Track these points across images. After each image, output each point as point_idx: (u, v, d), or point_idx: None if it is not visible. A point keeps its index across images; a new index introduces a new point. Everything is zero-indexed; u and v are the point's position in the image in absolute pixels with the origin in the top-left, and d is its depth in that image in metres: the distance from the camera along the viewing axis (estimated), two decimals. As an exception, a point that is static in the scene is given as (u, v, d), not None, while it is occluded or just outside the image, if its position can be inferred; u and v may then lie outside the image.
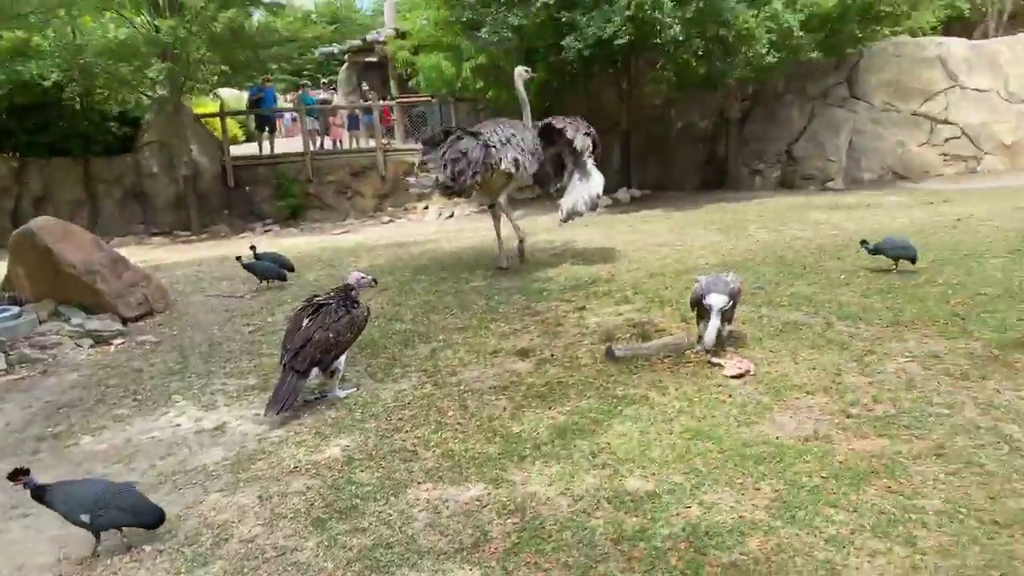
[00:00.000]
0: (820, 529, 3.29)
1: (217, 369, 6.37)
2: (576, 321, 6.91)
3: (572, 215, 9.37)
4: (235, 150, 20.30)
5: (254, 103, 20.60)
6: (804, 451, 4.01)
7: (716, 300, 5.32)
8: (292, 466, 4.38)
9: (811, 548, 3.16)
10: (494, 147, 8.63)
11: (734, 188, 16.52)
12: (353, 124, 22.12)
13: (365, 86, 24.43)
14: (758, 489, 3.66)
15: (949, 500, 3.45)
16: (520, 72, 9.81)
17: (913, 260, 7.44)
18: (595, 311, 7.19)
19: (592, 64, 15.38)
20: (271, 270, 9.44)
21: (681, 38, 13.23)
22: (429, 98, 20.13)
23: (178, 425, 5.21)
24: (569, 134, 9.11)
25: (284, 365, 5.24)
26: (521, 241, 9.75)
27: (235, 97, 27.32)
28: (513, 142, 8.82)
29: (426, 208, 18.40)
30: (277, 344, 6.15)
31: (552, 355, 5.99)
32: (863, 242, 7.75)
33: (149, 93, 17.07)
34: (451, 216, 17.39)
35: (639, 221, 13.20)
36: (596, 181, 9.17)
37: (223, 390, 5.83)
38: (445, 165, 8.54)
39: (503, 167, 8.63)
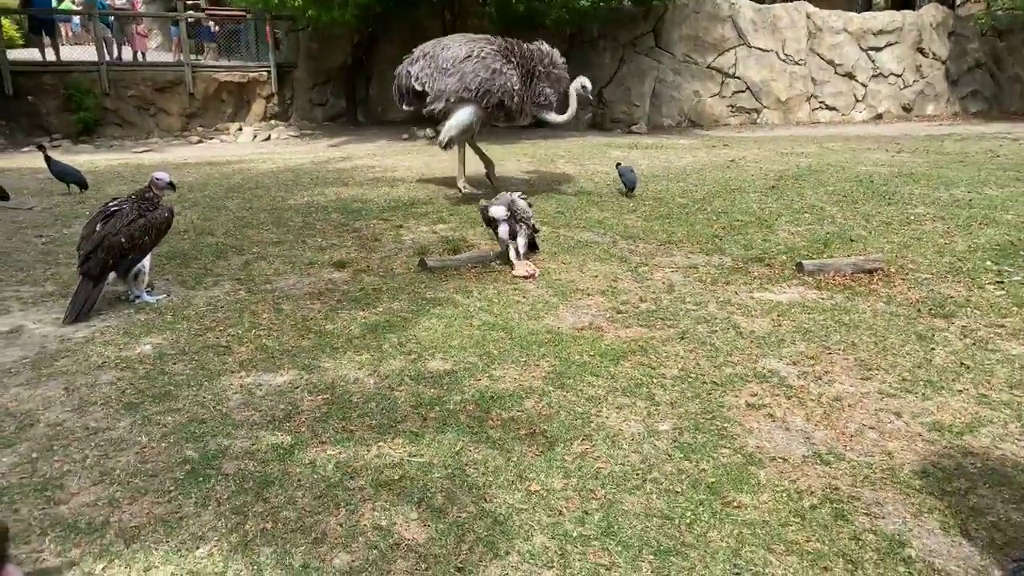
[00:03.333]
0: (583, 391, 4.00)
1: (7, 278, 6.03)
2: (393, 238, 7.27)
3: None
4: (13, 54, 17.98)
5: (27, 2, 18.19)
6: (579, 337, 4.73)
7: (497, 211, 6.08)
8: (100, 362, 4.42)
9: (574, 405, 3.85)
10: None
11: (550, 127, 17.38)
12: (206, 35, 20.50)
13: None
14: (538, 366, 4.31)
15: (684, 369, 4.30)
16: (577, 85, 8.75)
17: (631, 188, 8.93)
18: (412, 229, 7.58)
19: (416, -8, 15.36)
20: (73, 173, 8.92)
21: (502, -27, 13.59)
22: (244, 13, 18.98)
23: (-35, 330, 4.97)
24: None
25: (79, 271, 5.16)
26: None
27: (10, -7, 23.91)
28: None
29: (239, 130, 17.61)
30: (76, 255, 5.94)
31: (368, 267, 6.32)
32: (617, 164, 9.36)
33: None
34: (268, 139, 16.80)
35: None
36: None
37: (16, 296, 5.58)
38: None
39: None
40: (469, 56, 8.40)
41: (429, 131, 16.70)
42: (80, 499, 3.07)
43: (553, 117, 8.84)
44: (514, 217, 6.11)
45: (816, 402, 3.89)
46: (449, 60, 8.49)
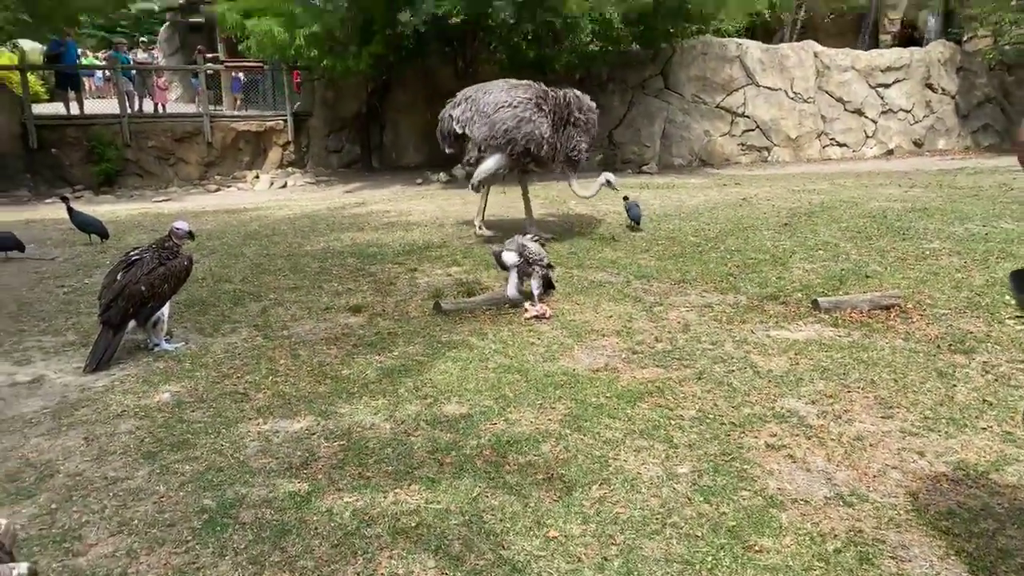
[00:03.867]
0: (600, 434, 3.97)
1: (30, 328, 6.12)
2: (408, 281, 7.32)
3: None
4: (38, 109, 18.51)
5: (54, 58, 18.77)
6: (595, 379, 4.71)
7: (508, 257, 6.14)
8: (119, 411, 4.46)
9: (591, 448, 3.82)
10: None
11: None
12: (236, 87, 21.18)
13: (201, 49, 23.09)
14: (554, 408, 4.30)
15: (701, 410, 4.27)
16: (603, 179, 9.03)
17: (637, 222, 9.39)
18: (426, 272, 7.64)
19: (429, 41, 15.71)
20: (94, 224, 9.13)
21: (512, 21, 13.90)
22: (261, 64, 19.49)
23: (-11, 380, 5.04)
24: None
25: (100, 320, 5.25)
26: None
27: (37, 50, 24.76)
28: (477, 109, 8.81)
29: (257, 178, 17.93)
30: (97, 304, 6.03)
31: (383, 311, 6.37)
32: (625, 197, 9.77)
33: (-70, 38, 15.20)
34: (284, 186, 17.08)
35: (474, 195, 13.72)
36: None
37: (39, 346, 5.66)
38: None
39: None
40: (504, 104, 8.55)
41: (443, 175, 16.92)
42: (98, 550, 3.07)
43: (576, 187, 9.11)
44: (527, 261, 6.15)
45: (837, 442, 3.84)
46: (490, 105, 8.64)
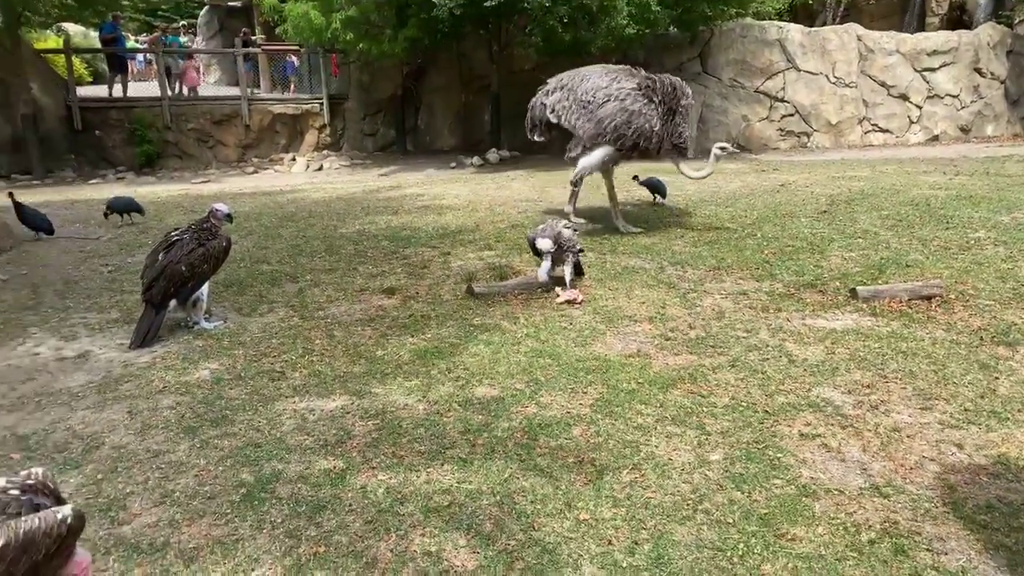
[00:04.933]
0: (631, 420, 3.97)
1: (76, 304, 6.31)
2: (441, 264, 7.36)
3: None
4: (82, 91, 18.93)
5: (108, 41, 19.19)
6: (626, 364, 4.71)
7: (543, 244, 6.08)
8: (161, 387, 4.58)
9: (622, 433, 3.83)
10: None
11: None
12: (289, 69, 21.38)
13: (246, 32, 23.33)
14: (585, 393, 4.30)
15: (734, 397, 4.24)
16: (717, 149, 8.51)
17: (663, 195, 9.81)
18: (459, 256, 7.68)
19: (464, 24, 15.67)
20: (131, 203, 9.35)
21: (548, 4, 13.79)
22: (297, 47, 19.65)
23: (37, 354, 5.21)
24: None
25: (142, 299, 5.39)
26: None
27: (81, 34, 25.26)
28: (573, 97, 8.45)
29: (293, 160, 18.13)
30: (139, 283, 6.18)
31: (417, 293, 6.42)
32: (635, 177, 10.08)
33: (-20, 22, 15.60)
34: (320, 169, 17.25)
35: (506, 180, 13.78)
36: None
37: (84, 323, 5.83)
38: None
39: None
40: (610, 97, 8.13)
41: (476, 159, 16.93)
42: (142, 520, 3.17)
43: (688, 171, 8.62)
44: (560, 248, 6.14)
45: (873, 432, 3.79)
46: (589, 92, 8.24)
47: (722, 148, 8.46)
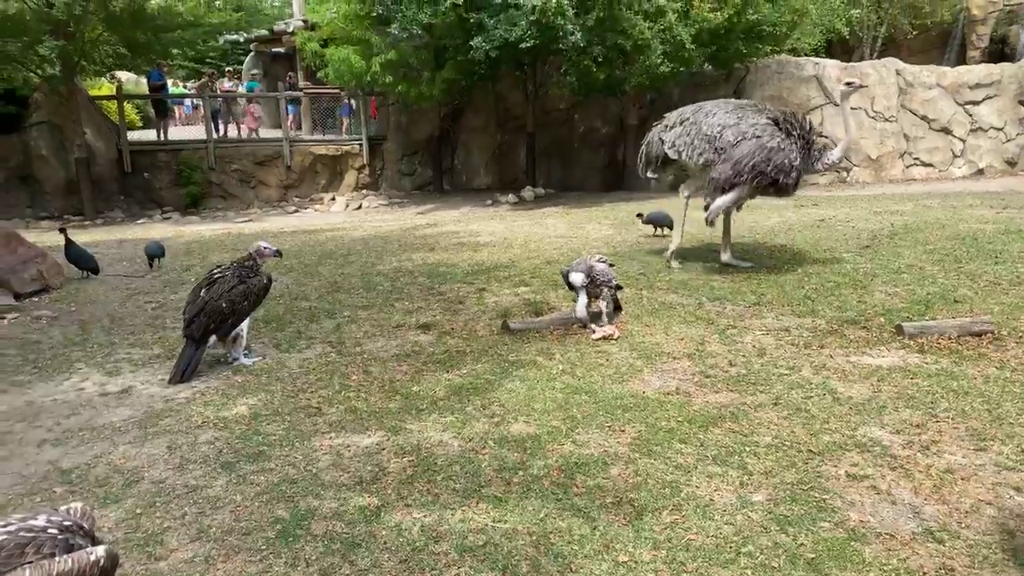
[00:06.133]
0: (671, 459, 3.88)
1: (120, 341, 6.45)
2: (476, 300, 7.38)
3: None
4: (132, 135, 19.68)
5: (156, 88, 20.03)
6: (665, 402, 4.62)
7: (576, 278, 6.04)
8: (200, 422, 4.63)
9: (662, 473, 3.74)
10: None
11: (631, 189, 17.49)
12: (344, 112, 21.70)
13: (291, 77, 24.00)
14: (623, 431, 4.22)
15: (778, 437, 4.12)
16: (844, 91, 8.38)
17: (670, 227, 9.55)
18: (495, 292, 7.69)
19: (500, 65, 15.97)
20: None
21: (583, 44, 13.99)
22: (338, 90, 20.19)
23: (82, 389, 5.32)
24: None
25: (183, 335, 5.49)
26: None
27: (132, 81, 26.35)
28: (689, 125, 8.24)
29: (333, 199, 18.49)
30: (181, 319, 6.31)
31: (452, 329, 6.42)
32: (639, 215, 10.46)
33: (39, 72, 16.36)
34: (359, 208, 17.55)
35: (541, 217, 13.84)
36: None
37: (128, 359, 5.95)
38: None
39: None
40: (742, 136, 7.80)
41: (512, 197, 17.07)
42: (178, 555, 3.17)
43: (832, 157, 8.30)
44: (593, 282, 6.10)
45: (924, 474, 3.64)
46: (715, 128, 7.95)
47: (848, 84, 8.14)
